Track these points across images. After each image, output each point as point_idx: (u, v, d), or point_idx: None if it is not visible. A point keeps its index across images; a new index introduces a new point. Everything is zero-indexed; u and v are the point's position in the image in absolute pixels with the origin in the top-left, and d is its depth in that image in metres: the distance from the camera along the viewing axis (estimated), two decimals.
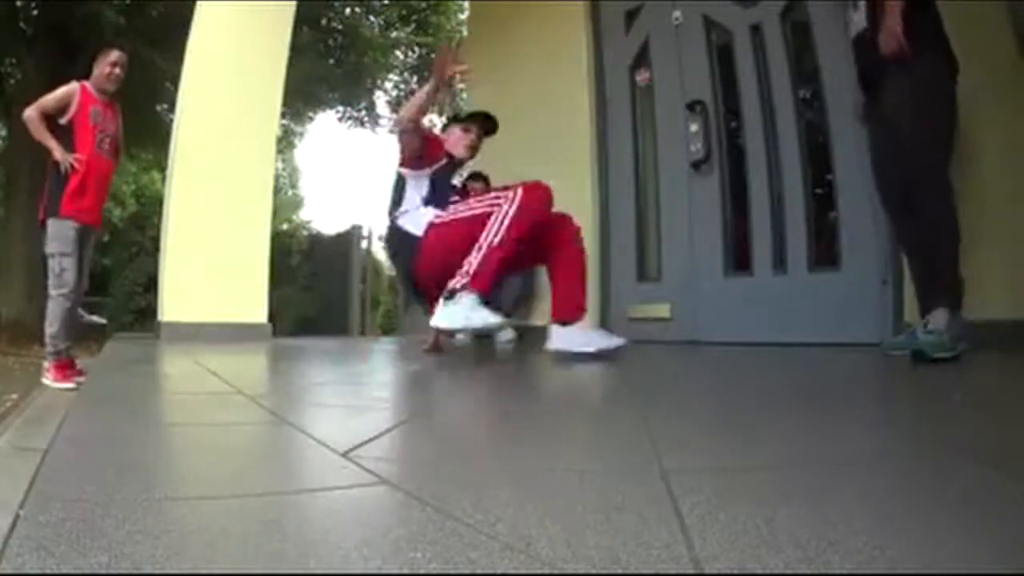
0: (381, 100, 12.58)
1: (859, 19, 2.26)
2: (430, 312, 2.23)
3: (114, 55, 3.24)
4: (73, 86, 3.16)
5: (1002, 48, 2.36)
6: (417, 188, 2.44)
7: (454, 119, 2.72)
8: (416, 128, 2.39)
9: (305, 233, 11.83)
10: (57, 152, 3.03)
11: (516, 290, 3.65)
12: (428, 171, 2.44)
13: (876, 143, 2.31)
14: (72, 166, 3.04)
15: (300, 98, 10.57)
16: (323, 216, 41.73)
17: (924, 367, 1.92)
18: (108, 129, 3.22)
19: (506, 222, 2.11)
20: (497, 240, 2.10)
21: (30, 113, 3.05)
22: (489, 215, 2.15)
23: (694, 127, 3.36)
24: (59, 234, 3.07)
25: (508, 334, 3.77)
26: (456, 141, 2.59)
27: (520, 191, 2.16)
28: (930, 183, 2.06)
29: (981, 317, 2.10)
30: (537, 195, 2.20)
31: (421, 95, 2.35)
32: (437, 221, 2.33)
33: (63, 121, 3.10)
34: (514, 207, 2.13)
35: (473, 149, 2.61)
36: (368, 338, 6.80)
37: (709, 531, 0.56)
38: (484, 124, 2.63)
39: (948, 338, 1.94)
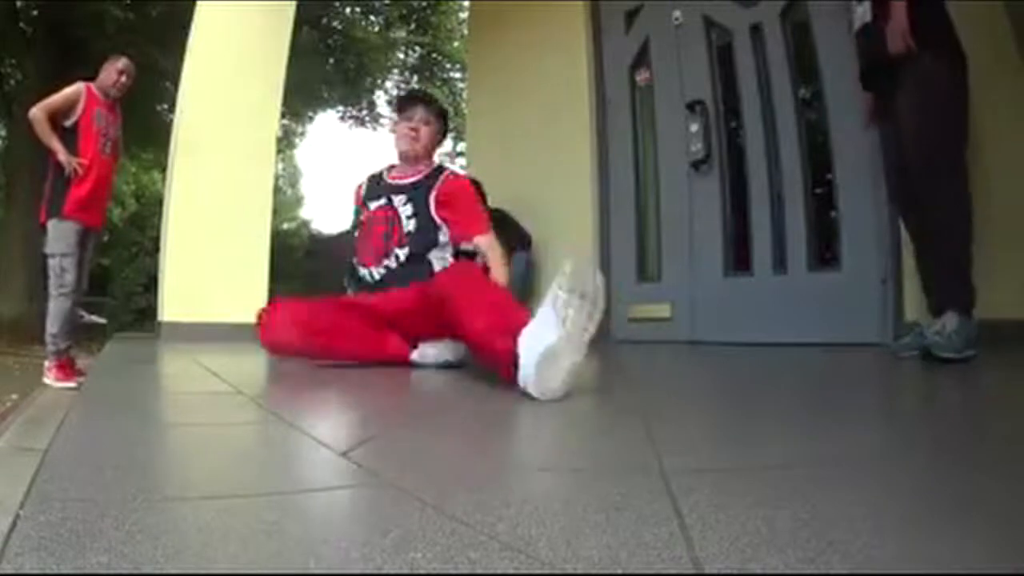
0: (381, 100, 12.61)
1: (863, 12, 2.22)
2: None
3: (122, 63, 3.24)
4: (79, 87, 3.13)
5: (1002, 48, 2.36)
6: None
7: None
8: None
9: (305, 233, 11.84)
10: (62, 155, 3.02)
11: (516, 286, 3.65)
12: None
13: (885, 144, 2.29)
14: (76, 170, 3.03)
15: (300, 98, 10.57)
16: (323, 216, 41.80)
17: (926, 367, 1.92)
18: (110, 132, 3.23)
19: None
20: None
21: (36, 114, 3.03)
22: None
23: (694, 127, 3.36)
24: (61, 235, 3.06)
25: None
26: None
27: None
28: (939, 183, 2.01)
29: (991, 316, 2.07)
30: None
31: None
32: None
33: (67, 124, 3.09)
34: None
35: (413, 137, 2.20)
36: None
37: (709, 531, 0.56)
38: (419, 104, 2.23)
39: (958, 341, 1.92)
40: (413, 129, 2.18)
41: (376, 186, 2.24)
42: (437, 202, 2.12)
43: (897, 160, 2.19)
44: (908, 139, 2.08)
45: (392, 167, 2.27)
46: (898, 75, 2.09)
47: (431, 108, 2.24)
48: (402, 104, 2.33)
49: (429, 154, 2.24)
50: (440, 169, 2.21)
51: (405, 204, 2.13)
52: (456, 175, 2.23)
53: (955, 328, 1.94)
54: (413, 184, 2.16)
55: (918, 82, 2.04)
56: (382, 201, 2.17)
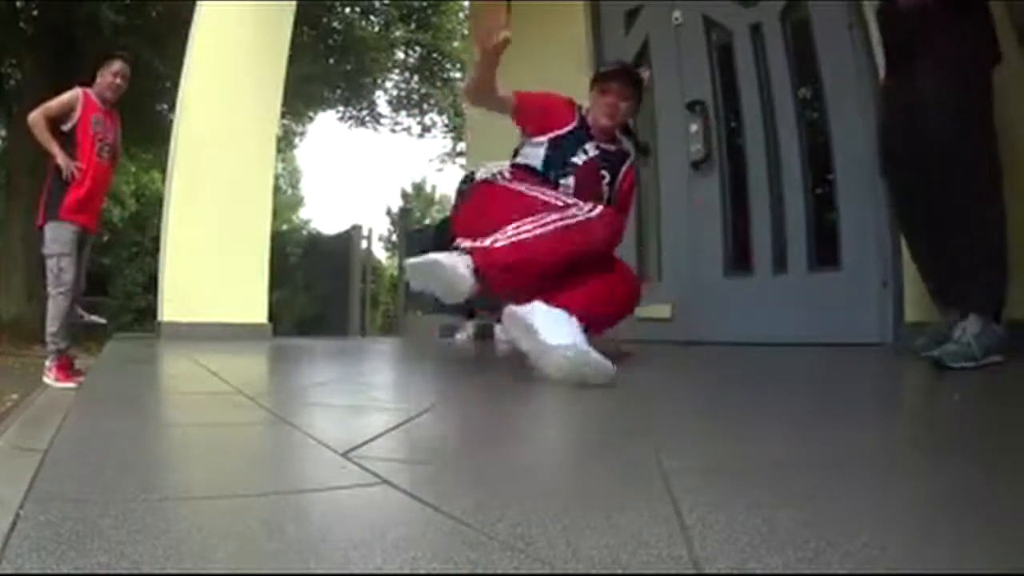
0: (381, 99, 12.60)
1: None
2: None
3: (116, 65, 3.29)
4: (76, 92, 3.19)
5: (1002, 45, 2.35)
6: (531, 160, 2.10)
7: (593, 79, 2.31)
8: (485, 99, 2.06)
9: (305, 233, 11.83)
10: (60, 158, 3.09)
11: None
12: (542, 139, 2.13)
13: (889, 121, 2.16)
14: (74, 174, 3.08)
15: (300, 98, 10.57)
16: (323, 216, 41.86)
17: (926, 368, 1.92)
18: (107, 137, 3.27)
19: (560, 225, 1.72)
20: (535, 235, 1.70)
21: (35, 118, 3.11)
22: (549, 206, 1.79)
23: (694, 127, 3.36)
24: (58, 236, 3.13)
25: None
26: (594, 107, 2.21)
27: (598, 212, 1.81)
28: (968, 175, 1.86)
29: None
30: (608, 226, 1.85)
31: (475, 71, 1.99)
32: (491, 181, 2.02)
33: (65, 128, 3.14)
34: (580, 219, 1.76)
35: (613, 113, 2.17)
36: (368, 338, 6.80)
37: (709, 531, 0.56)
38: (622, 79, 2.20)
39: (977, 348, 1.73)
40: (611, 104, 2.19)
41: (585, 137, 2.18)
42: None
43: (901, 146, 2.07)
44: (929, 122, 1.92)
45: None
46: (923, 62, 1.96)
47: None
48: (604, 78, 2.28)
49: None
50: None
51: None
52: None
53: (975, 334, 1.75)
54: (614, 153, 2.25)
55: (945, 70, 1.91)
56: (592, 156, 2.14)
